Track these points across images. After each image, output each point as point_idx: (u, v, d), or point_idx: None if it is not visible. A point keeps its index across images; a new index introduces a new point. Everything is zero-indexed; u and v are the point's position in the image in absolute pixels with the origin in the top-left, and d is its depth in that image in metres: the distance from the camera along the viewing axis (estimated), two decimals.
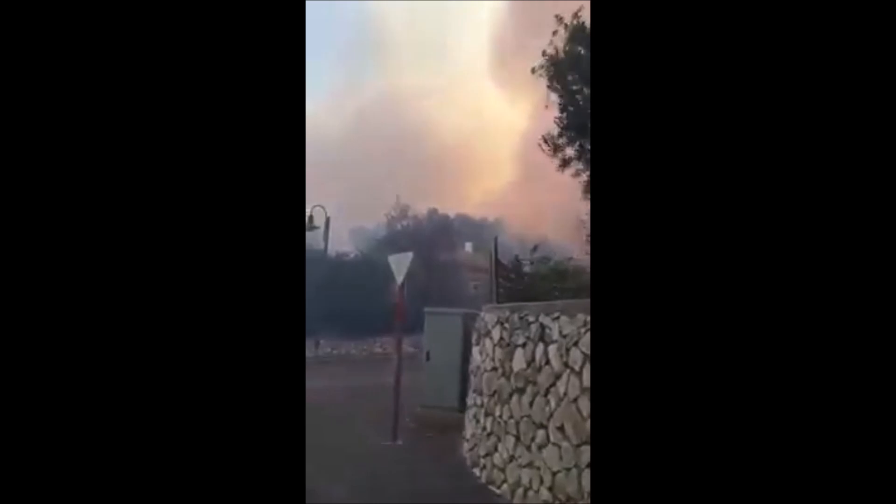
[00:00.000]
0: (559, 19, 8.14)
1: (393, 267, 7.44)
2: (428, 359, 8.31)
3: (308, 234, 19.74)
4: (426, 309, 8.63)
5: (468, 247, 29.85)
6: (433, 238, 26.04)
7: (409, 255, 7.62)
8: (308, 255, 21.43)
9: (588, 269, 6.69)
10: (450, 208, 29.41)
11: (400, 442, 7.16)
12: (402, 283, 7.48)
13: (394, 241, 25.35)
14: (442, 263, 26.03)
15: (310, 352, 18.39)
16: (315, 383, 12.41)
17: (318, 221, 19.60)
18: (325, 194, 20.51)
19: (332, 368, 16.19)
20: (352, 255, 24.10)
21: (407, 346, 20.05)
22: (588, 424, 3.93)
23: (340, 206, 23.02)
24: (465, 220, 31.03)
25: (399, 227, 25.81)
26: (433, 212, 28.61)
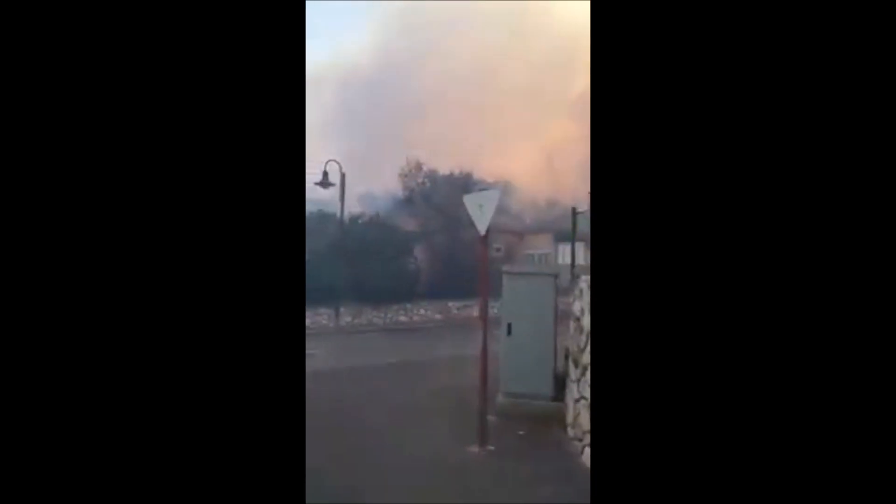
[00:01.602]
0: None
1: (471, 209, 5.43)
2: (509, 333, 6.42)
3: (323, 194, 17.73)
4: (505, 269, 6.69)
5: None
6: (452, 197, 23.91)
7: (496, 192, 5.62)
8: (322, 216, 19.58)
9: None
10: (455, 166, 26.81)
11: (491, 447, 5.31)
12: (487, 233, 5.49)
13: (409, 200, 23.32)
14: (463, 224, 24.08)
15: (330, 322, 16.60)
16: (349, 360, 10.65)
17: (333, 178, 17.47)
18: (327, 155, 18.25)
19: (359, 340, 14.36)
20: (366, 217, 22.01)
21: (434, 314, 18.30)
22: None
23: (353, 160, 20.83)
24: (471, 180, 28.61)
25: (414, 184, 23.52)
26: (449, 170, 26.16)
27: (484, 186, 27.26)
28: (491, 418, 6.15)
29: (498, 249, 26.93)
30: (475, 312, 20.56)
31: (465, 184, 24.06)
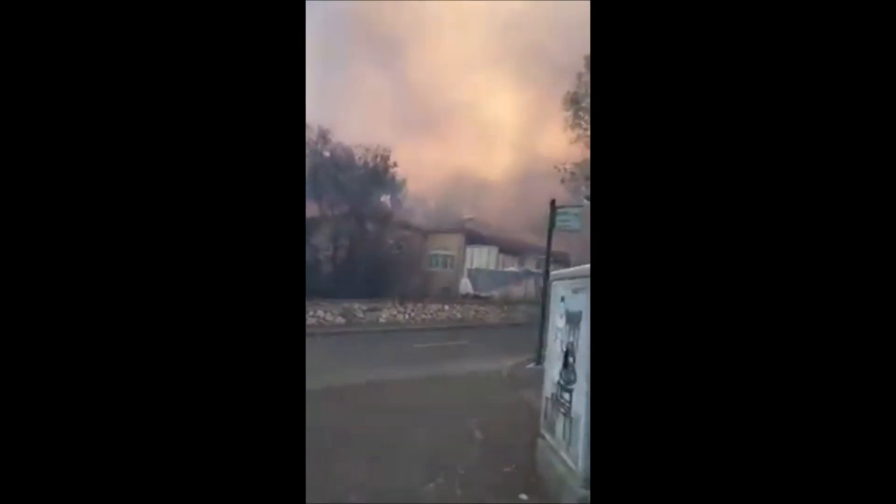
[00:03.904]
0: None
1: None
2: None
3: None
4: None
5: (385, 198, 24.98)
6: (364, 180, 20.71)
7: None
8: None
9: None
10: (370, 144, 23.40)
11: None
12: None
13: (312, 177, 19.72)
14: (369, 214, 20.96)
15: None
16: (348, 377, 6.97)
17: None
18: None
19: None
20: None
21: (335, 317, 14.97)
22: None
23: None
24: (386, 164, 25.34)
25: (318, 159, 19.89)
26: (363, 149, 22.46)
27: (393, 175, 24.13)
28: None
29: (400, 247, 24.20)
30: (383, 317, 17.70)
31: (379, 167, 21.05)
